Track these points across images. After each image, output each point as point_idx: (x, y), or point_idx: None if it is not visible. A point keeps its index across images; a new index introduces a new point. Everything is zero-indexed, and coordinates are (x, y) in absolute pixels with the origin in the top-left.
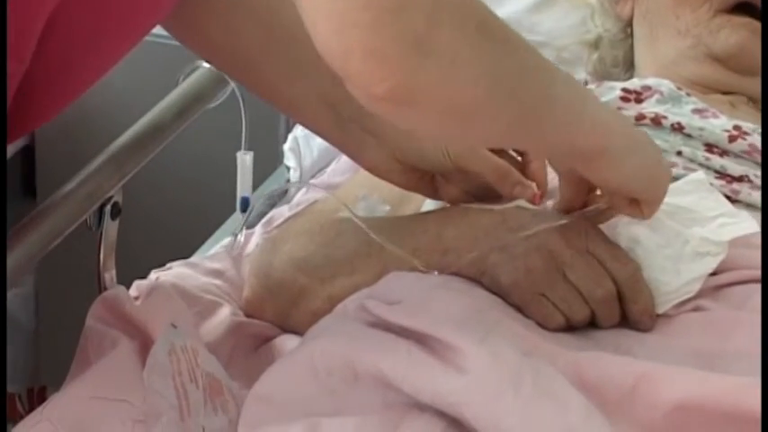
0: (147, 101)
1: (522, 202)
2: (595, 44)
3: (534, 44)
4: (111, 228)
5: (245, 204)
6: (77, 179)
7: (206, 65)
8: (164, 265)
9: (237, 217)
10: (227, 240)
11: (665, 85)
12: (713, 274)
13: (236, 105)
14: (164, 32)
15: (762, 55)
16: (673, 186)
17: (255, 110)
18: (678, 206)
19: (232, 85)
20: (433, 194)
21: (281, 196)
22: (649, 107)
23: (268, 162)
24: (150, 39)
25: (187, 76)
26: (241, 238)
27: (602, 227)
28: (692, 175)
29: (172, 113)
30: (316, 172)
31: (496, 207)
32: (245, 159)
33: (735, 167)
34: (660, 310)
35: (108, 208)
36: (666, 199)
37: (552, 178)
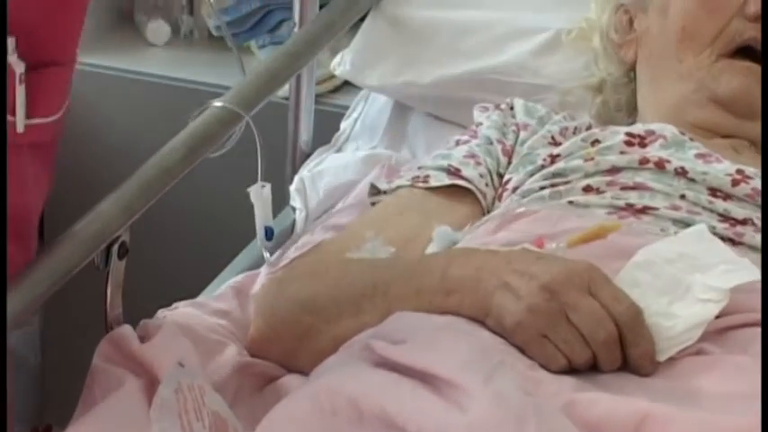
0: (155, 141)
1: (526, 245)
2: (599, 88)
3: (538, 87)
4: (118, 267)
5: (270, 234)
6: (85, 219)
7: (216, 105)
8: (170, 304)
9: (247, 255)
10: (233, 280)
11: (669, 130)
12: (716, 317)
13: (242, 144)
14: (175, 74)
15: (762, 57)
16: (674, 237)
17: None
18: (680, 253)
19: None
20: None
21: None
22: (653, 151)
23: (273, 203)
24: (161, 80)
25: (195, 117)
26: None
27: (606, 271)
28: (693, 228)
29: (180, 154)
30: (321, 213)
31: (501, 249)
32: (262, 191)
33: (738, 211)
34: (662, 358)
35: (115, 248)
36: (668, 246)
37: (556, 222)
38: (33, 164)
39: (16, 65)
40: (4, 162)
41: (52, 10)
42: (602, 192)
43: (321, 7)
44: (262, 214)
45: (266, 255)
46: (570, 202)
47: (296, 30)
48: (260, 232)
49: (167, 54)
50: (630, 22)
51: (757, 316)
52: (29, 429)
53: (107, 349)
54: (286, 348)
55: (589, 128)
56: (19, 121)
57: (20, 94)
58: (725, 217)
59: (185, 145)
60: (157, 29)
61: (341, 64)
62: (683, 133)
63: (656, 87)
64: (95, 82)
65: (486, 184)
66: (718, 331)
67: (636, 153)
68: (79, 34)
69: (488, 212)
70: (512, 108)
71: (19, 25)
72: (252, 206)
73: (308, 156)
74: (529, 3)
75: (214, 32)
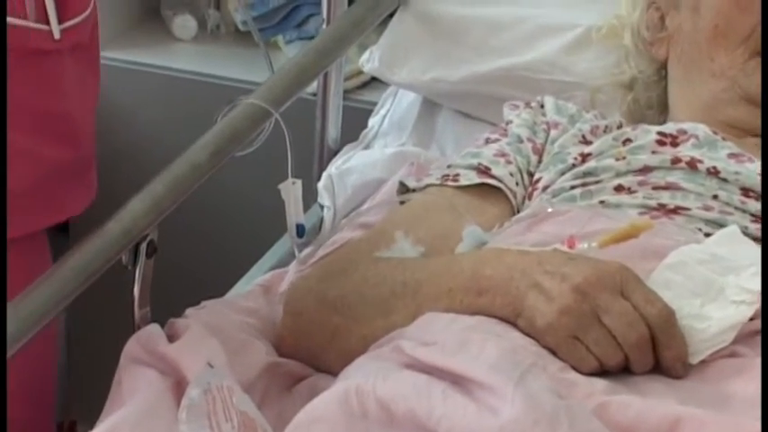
0: (182, 136)
1: (558, 245)
2: (630, 86)
3: (568, 85)
4: (146, 266)
5: (302, 231)
6: (113, 217)
7: (245, 101)
8: (198, 303)
9: (274, 253)
10: (261, 278)
11: (701, 129)
12: (749, 319)
13: (269, 140)
14: (202, 69)
15: (762, 57)
16: (707, 239)
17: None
18: (713, 254)
19: (275, 116)
20: None
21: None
22: (685, 151)
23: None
24: (188, 75)
25: (225, 114)
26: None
27: (638, 271)
28: (725, 230)
29: (209, 152)
30: (350, 210)
31: (533, 249)
32: (293, 188)
33: None
34: (694, 360)
35: (143, 246)
36: (701, 247)
37: (587, 222)
38: (76, 68)
39: None
40: (4, 162)
41: None
42: (634, 191)
43: (350, 3)
44: (293, 211)
45: (296, 252)
46: (601, 202)
47: (324, 26)
48: (291, 229)
49: (194, 49)
50: (662, 19)
51: None
52: (54, 425)
53: (134, 348)
54: (315, 348)
55: (620, 126)
56: (54, 27)
57: (49, 2)
58: (757, 217)
59: (214, 142)
60: (184, 24)
61: (369, 60)
62: (715, 133)
63: (688, 85)
64: (122, 77)
65: (517, 183)
66: (751, 333)
67: (668, 152)
68: None
69: (518, 211)
70: (542, 106)
71: None
72: (279, 203)
73: (335, 153)
74: None
75: (241, 27)
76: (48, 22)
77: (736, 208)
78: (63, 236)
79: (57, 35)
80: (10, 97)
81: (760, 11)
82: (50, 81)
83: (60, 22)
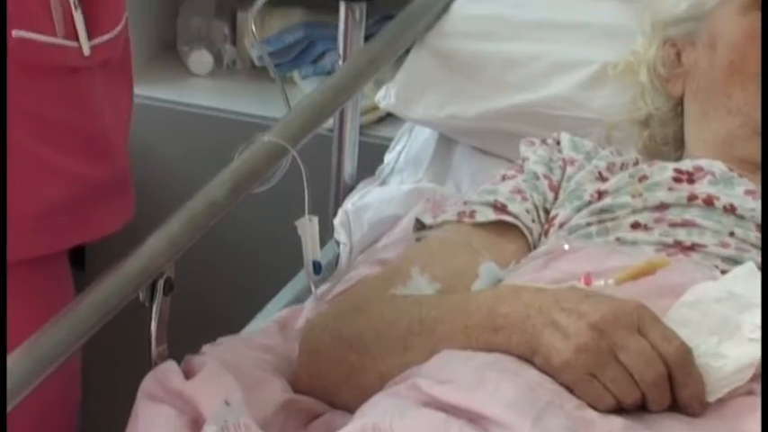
0: (199, 172)
1: (575, 282)
2: (646, 122)
3: (584, 121)
4: (163, 303)
5: (318, 268)
6: (131, 255)
7: (263, 139)
8: (214, 339)
9: (291, 289)
10: (277, 314)
11: (717, 166)
12: None
13: (284, 176)
14: (218, 104)
15: (762, 62)
16: (724, 276)
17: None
18: (730, 292)
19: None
20: None
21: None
22: (701, 188)
23: None
24: (204, 111)
25: (242, 151)
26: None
27: (654, 309)
28: (742, 267)
29: (226, 189)
30: (366, 247)
31: (549, 286)
32: (310, 225)
33: None
34: (711, 399)
35: (161, 283)
36: (717, 285)
37: (603, 260)
38: (108, 85)
39: None
40: (4, 162)
41: None
42: (651, 228)
43: (366, 39)
44: (309, 248)
45: (313, 289)
46: (618, 239)
47: (340, 62)
48: (308, 266)
49: (210, 84)
50: (678, 55)
51: None
52: None
53: (151, 385)
54: (331, 385)
55: (636, 163)
56: (83, 44)
57: (78, 20)
58: None
59: (232, 179)
60: (200, 59)
61: (386, 97)
62: (731, 169)
63: (704, 122)
64: (138, 112)
65: (533, 220)
66: None
67: (684, 189)
68: None
69: (535, 248)
70: (558, 143)
71: None
72: (296, 238)
73: (351, 188)
74: (574, 35)
75: (257, 63)
76: (77, 39)
77: (753, 245)
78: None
79: (86, 52)
80: (39, 113)
81: None
82: (81, 98)
83: (90, 38)
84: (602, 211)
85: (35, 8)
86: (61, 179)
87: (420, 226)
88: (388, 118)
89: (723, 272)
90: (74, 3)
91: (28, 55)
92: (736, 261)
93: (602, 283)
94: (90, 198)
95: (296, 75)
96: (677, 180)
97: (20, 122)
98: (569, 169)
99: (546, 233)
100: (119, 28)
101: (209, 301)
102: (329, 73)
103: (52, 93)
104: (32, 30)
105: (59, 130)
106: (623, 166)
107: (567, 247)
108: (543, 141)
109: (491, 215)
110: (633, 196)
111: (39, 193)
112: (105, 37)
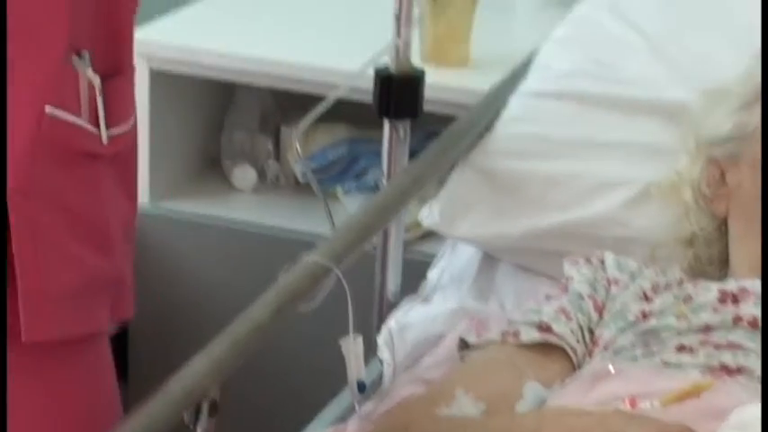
0: (242, 289)
1: (620, 404)
2: (690, 242)
3: (628, 240)
4: (207, 425)
5: (362, 388)
6: (175, 376)
7: (307, 259)
8: None
9: (335, 407)
10: None
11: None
12: None
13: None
14: (261, 220)
15: (762, 68)
16: None
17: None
18: None
19: (336, 273)
20: None
21: None
22: (746, 309)
23: None
24: (247, 227)
25: (287, 270)
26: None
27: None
28: None
29: (271, 310)
30: (409, 365)
31: (594, 409)
32: (354, 344)
33: None
34: None
35: (205, 406)
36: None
37: (649, 382)
38: (114, 179)
39: (93, 78)
40: (4, 162)
41: (119, 22)
42: (695, 351)
43: (410, 155)
44: (353, 367)
45: (357, 408)
46: (663, 362)
47: (384, 180)
48: (352, 385)
49: (253, 199)
50: (722, 175)
51: None
52: None
53: None
54: None
55: (681, 282)
56: (103, 131)
57: (101, 106)
58: None
59: (276, 300)
60: (244, 174)
61: (429, 216)
62: None
63: (749, 242)
64: (181, 227)
65: (578, 341)
66: None
67: (729, 311)
68: (133, 43)
69: (579, 368)
70: (602, 262)
71: (94, 39)
72: (339, 356)
73: (394, 305)
74: (616, 153)
75: (300, 179)
76: (98, 126)
77: None
78: (121, 385)
79: (105, 140)
80: (61, 197)
81: None
82: (93, 187)
83: (107, 127)
84: (647, 332)
85: (68, 89)
86: (75, 267)
87: (464, 345)
88: (431, 234)
89: None
90: (99, 89)
91: (56, 132)
92: None
93: (647, 405)
94: (93, 289)
95: (339, 190)
96: (722, 301)
97: (44, 205)
98: (614, 289)
99: (590, 353)
100: (131, 122)
101: (253, 421)
102: (372, 188)
103: (74, 177)
104: (63, 108)
105: (74, 216)
106: (667, 286)
107: (612, 369)
108: (587, 260)
109: (536, 335)
110: (678, 318)
111: (57, 277)
112: (120, 129)
